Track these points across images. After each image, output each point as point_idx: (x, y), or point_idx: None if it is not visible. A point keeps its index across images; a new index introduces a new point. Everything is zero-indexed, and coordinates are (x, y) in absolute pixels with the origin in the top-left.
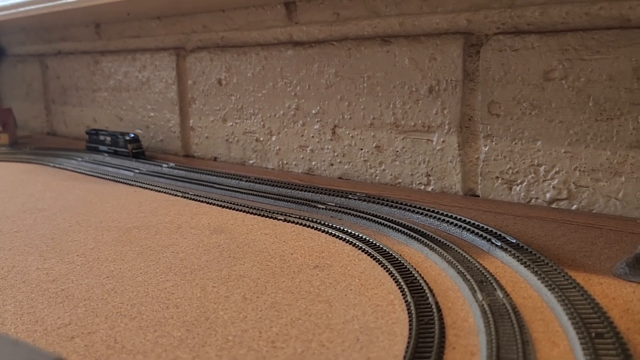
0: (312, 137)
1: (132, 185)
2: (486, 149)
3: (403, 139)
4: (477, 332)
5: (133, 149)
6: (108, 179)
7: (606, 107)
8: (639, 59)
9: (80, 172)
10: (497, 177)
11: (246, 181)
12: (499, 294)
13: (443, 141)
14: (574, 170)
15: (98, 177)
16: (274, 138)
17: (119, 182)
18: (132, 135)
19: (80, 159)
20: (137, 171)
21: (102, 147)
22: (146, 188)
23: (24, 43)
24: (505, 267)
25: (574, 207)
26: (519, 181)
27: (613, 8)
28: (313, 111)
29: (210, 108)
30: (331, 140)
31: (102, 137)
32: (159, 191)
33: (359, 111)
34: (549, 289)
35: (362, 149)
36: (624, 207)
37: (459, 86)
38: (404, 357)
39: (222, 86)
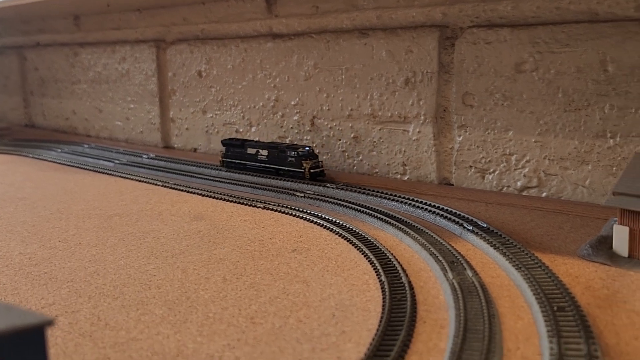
0: (292, 127)
1: (112, 175)
2: (460, 139)
3: (380, 129)
4: (447, 307)
5: (311, 168)
6: (88, 169)
7: (574, 98)
8: (605, 51)
9: (59, 163)
10: (471, 166)
11: (226, 171)
12: (469, 273)
13: (419, 132)
14: (543, 159)
15: (78, 167)
16: (253, 129)
17: (99, 172)
18: (307, 148)
19: (59, 150)
20: (117, 162)
21: (251, 164)
22: (127, 178)
23: (1, 35)
24: (475, 249)
25: (544, 194)
26: (491, 170)
27: (582, 2)
28: (292, 102)
29: (190, 100)
30: (310, 131)
31: (251, 150)
32: (140, 181)
33: (337, 102)
34: (515, 269)
35: (340, 140)
36: (591, 194)
37: (435, 78)
38: (377, 330)
39: (202, 78)
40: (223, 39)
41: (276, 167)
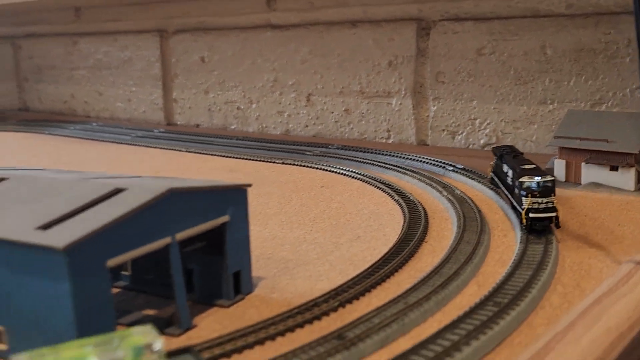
0: (289, 104)
1: (133, 145)
2: (434, 109)
3: (367, 103)
4: (447, 209)
5: (531, 211)
6: (110, 142)
7: (522, 74)
8: (545, 39)
9: (79, 137)
10: (443, 130)
11: (237, 139)
12: (457, 192)
13: (400, 104)
14: (500, 121)
15: (100, 140)
16: (254, 106)
17: (121, 143)
18: (538, 178)
19: (72, 128)
20: (132, 135)
21: (503, 185)
22: (148, 146)
23: None
24: (457, 181)
25: None
26: (460, 132)
27: (527, 2)
28: (290, 82)
29: (193, 82)
30: (306, 106)
31: (505, 168)
32: (164, 149)
33: (330, 82)
34: (489, 188)
35: (333, 112)
36: (537, 146)
37: (413, 60)
38: (404, 222)
39: (205, 63)
40: (223, 29)
41: (510, 197)
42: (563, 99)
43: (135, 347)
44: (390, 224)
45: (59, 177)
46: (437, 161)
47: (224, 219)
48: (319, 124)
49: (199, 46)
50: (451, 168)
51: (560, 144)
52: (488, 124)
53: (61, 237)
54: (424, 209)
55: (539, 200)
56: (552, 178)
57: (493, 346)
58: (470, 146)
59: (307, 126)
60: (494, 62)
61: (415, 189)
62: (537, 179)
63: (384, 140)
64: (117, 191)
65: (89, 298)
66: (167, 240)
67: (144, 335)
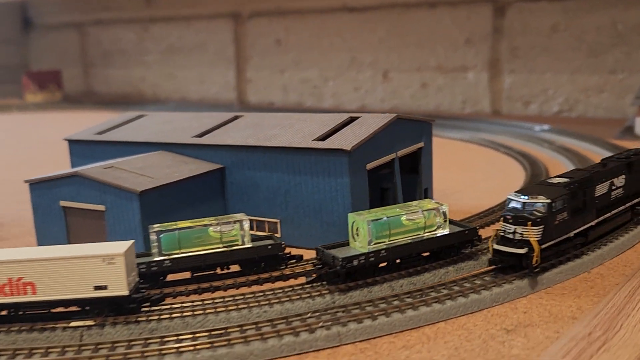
0: (366, 81)
1: None
2: (509, 81)
3: (444, 77)
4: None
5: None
6: None
7: (594, 47)
8: (615, 15)
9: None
10: (517, 100)
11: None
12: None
13: (476, 77)
14: (572, 91)
15: None
16: (330, 83)
17: None
18: (531, 203)
19: (153, 109)
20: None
21: None
22: None
23: (59, 13)
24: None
25: (574, 115)
26: (533, 102)
27: None
28: (367, 61)
29: (267, 63)
30: (382, 82)
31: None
32: None
33: (407, 59)
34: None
35: (409, 87)
36: (607, 113)
37: (489, 37)
38: (526, 174)
39: (281, 45)
40: (300, 12)
41: None
42: (632, 69)
43: (428, 210)
44: (514, 174)
45: (273, 115)
46: (523, 126)
47: (420, 144)
48: (395, 98)
49: (275, 29)
50: (538, 128)
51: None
52: (561, 94)
53: (341, 144)
54: (544, 166)
55: (510, 227)
56: (547, 201)
57: None
58: (544, 114)
59: (383, 101)
60: (568, 37)
61: (514, 144)
62: (524, 198)
63: (459, 111)
64: (352, 119)
65: (357, 189)
66: (393, 155)
67: (433, 204)
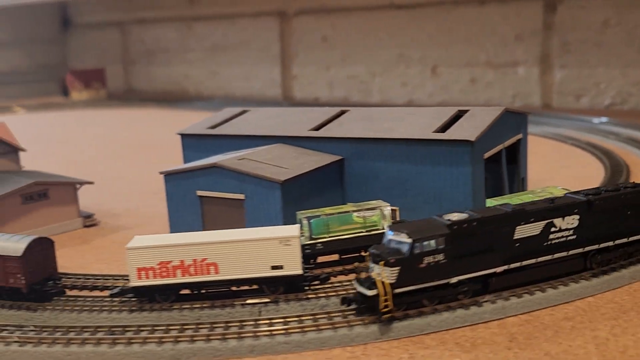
0: (414, 76)
1: None
2: (560, 75)
3: (494, 72)
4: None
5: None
6: None
7: None
8: None
9: None
10: (568, 94)
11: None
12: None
13: (527, 72)
14: (624, 84)
15: None
16: (377, 79)
17: None
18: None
19: (200, 106)
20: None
21: None
22: None
23: (100, 12)
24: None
25: (626, 107)
26: (584, 95)
27: None
28: (415, 57)
29: (313, 60)
30: (431, 77)
31: None
32: None
33: (456, 55)
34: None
35: (458, 82)
36: None
37: (540, 33)
38: (605, 171)
39: (327, 42)
40: (346, 10)
41: None
42: None
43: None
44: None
45: (378, 109)
46: (579, 118)
47: (520, 136)
48: (444, 93)
49: (321, 26)
50: (597, 121)
51: None
52: (612, 88)
53: (463, 135)
54: (625, 162)
55: (370, 265)
56: (409, 241)
57: None
58: (595, 107)
59: (431, 95)
60: (619, 32)
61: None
62: (390, 234)
63: (509, 105)
64: (461, 112)
65: (476, 177)
66: (500, 146)
67: (559, 190)
